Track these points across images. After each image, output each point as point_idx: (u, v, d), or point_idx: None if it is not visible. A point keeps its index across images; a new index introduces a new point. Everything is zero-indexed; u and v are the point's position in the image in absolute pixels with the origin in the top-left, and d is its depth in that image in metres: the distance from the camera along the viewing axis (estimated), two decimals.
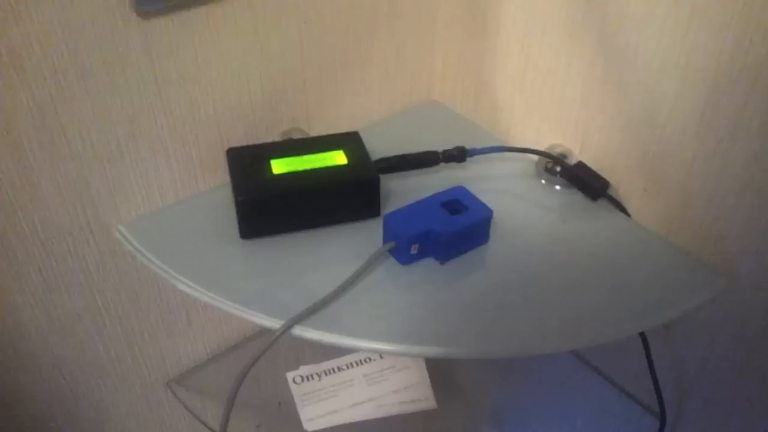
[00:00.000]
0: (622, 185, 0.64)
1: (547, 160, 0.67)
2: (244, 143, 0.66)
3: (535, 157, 0.69)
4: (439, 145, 0.67)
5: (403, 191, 0.66)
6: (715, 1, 0.50)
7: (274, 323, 0.53)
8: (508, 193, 0.67)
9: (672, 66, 0.55)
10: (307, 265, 0.58)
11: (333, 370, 0.75)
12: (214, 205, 0.64)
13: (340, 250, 0.59)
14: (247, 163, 0.60)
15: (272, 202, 0.58)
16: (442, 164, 0.67)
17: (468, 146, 0.66)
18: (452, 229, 0.56)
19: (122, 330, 0.69)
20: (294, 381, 0.74)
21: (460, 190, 0.60)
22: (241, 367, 0.53)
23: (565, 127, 0.67)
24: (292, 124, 0.70)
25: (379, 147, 0.67)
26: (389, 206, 0.63)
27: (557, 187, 0.67)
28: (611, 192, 0.64)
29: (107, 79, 0.55)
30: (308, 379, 0.74)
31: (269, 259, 0.58)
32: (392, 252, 0.58)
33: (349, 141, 0.64)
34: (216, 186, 0.67)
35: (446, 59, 0.77)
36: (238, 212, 0.58)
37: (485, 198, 0.60)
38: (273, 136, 0.69)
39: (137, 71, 0.56)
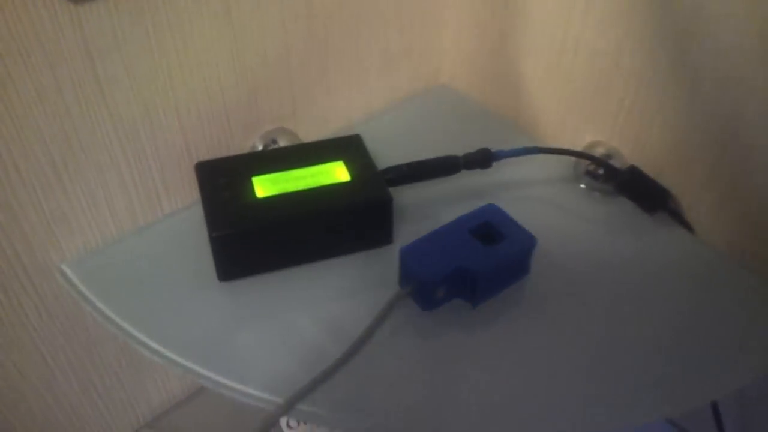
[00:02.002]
0: (686, 196, 0.52)
1: (589, 162, 0.55)
2: (217, 152, 0.53)
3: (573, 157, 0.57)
4: (453, 143, 0.55)
5: (417, 205, 0.54)
6: None
7: (268, 397, 0.41)
8: (544, 202, 0.55)
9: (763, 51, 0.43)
10: (303, 315, 0.45)
11: None
12: (182, 232, 0.52)
13: (344, 292, 0.47)
14: (222, 184, 0.47)
15: (257, 236, 0.46)
16: (463, 171, 0.54)
17: (494, 148, 0.54)
18: (489, 267, 0.44)
19: (77, 380, 0.57)
20: (288, 425, 0.63)
21: (492, 211, 0.48)
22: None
23: (612, 123, 0.54)
24: (275, 123, 0.57)
25: (380, 147, 0.55)
26: (401, 227, 0.51)
27: (598, 194, 0.56)
28: (672, 204, 0.53)
29: (33, 86, 0.42)
30: (305, 423, 0.63)
31: (255, 307, 0.46)
32: (412, 295, 0.46)
33: (349, 148, 0.51)
34: (185, 205, 0.54)
35: (458, 33, 0.64)
36: (213, 251, 0.45)
37: (517, 210, 0.48)
38: (253, 140, 0.56)
39: (73, 73, 0.43)
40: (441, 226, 0.47)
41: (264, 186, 0.47)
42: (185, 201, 0.54)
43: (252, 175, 0.48)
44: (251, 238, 0.45)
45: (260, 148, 0.56)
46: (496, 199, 0.53)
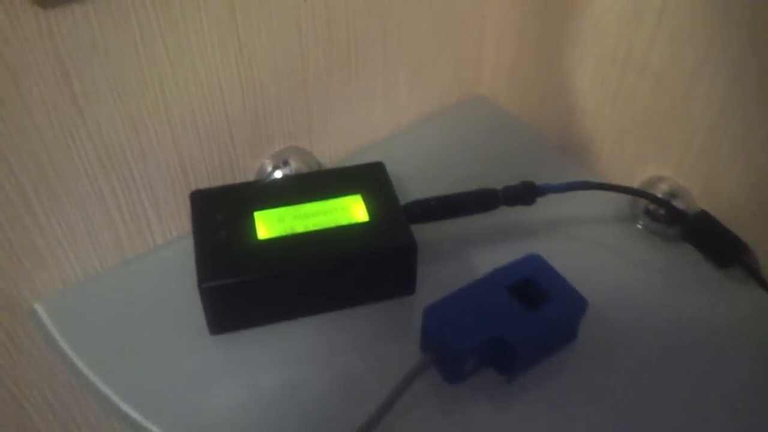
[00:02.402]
0: (764, 251, 0.44)
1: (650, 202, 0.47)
2: (219, 174, 0.47)
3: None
4: (490, 167, 0.48)
5: (445, 244, 0.47)
6: None
7: None
8: (596, 245, 0.47)
9: None
10: (308, 378, 0.39)
11: None
12: (176, 265, 0.45)
13: (356, 351, 0.40)
14: (218, 221, 0.40)
15: (254, 288, 0.39)
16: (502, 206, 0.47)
17: (539, 181, 0.46)
18: (530, 337, 0.37)
19: (57, 422, 0.51)
20: None
21: (535, 264, 0.40)
22: None
23: (681, 157, 0.46)
24: (288, 141, 0.50)
25: (407, 170, 0.48)
26: (425, 270, 0.43)
27: (658, 239, 0.48)
28: (747, 258, 0.44)
29: None
30: None
31: (250, 367, 0.39)
32: (435, 363, 0.38)
33: (369, 178, 0.44)
34: (181, 234, 0.47)
35: (501, 40, 0.56)
36: (203, 303, 0.39)
37: (563, 256, 0.41)
38: (261, 160, 0.49)
39: (43, 88, 0.36)
40: (474, 281, 0.39)
41: (268, 224, 0.40)
42: (181, 229, 0.47)
43: (255, 210, 0.41)
44: (248, 289, 0.39)
45: (270, 169, 0.49)
46: (539, 241, 0.46)
